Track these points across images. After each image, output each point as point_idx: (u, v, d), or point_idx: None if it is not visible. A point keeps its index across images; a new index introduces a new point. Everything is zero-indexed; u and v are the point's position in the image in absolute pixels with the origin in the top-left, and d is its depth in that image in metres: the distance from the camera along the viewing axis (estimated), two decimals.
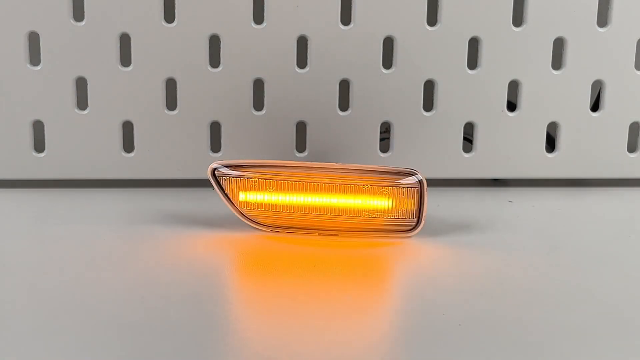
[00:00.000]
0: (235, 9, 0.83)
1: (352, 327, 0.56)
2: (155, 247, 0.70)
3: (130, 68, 0.84)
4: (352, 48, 0.85)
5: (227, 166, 0.72)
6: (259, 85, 0.86)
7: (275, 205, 0.72)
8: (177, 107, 0.85)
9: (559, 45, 0.87)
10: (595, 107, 0.89)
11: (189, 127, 0.86)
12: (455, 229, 0.76)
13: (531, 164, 0.89)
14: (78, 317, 0.56)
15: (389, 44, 0.85)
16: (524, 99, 0.87)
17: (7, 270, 0.65)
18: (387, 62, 0.86)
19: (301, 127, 0.87)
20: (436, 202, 0.80)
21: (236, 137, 0.86)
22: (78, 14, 0.83)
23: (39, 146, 0.86)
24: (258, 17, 0.84)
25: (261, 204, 0.72)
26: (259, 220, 0.73)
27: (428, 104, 0.87)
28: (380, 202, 0.71)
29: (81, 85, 0.84)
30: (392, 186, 0.71)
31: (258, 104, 0.86)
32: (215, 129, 0.86)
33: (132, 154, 0.86)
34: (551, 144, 0.90)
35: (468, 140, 0.89)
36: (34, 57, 0.83)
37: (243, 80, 0.85)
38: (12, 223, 0.78)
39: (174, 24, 0.83)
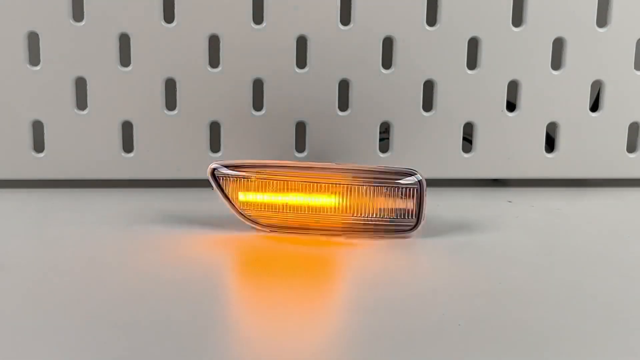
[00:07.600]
0: (235, 9, 0.83)
1: (352, 326, 0.56)
2: (155, 247, 0.70)
3: (130, 68, 0.84)
4: (351, 48, 0.85)
5: (226, 166, 0.72)
6: (258, 85, 0.86)
7: (275, 205, 0.72)
8: (177, 107, 0.85)
9: (558, 45, 0.87)
10: (594, 107, 0.89)
11: (188, 127, 0.86)
12: (455, 229, 0.76)
13: (531, 164, 0.89)
14: (78, 317, 0.56)
15: (388, 44, 0.85)
16: (524, 99, 0.87)
17: (7, 270, 0.65)
18: (387, 62, 0.86)
19: (301, 127, 0.87)
20: (436, 202, 0.80)
21: (236, 137, 0.86)
22: (78, 14, 0.83)
23: (39, 146, 0.86)
24: (258, 17, 0.84)
25: (261, 204, 0.72)
26: (258, 220, 0.73)
27: (428, 104, 0.87)
28: (380, 202, 0.71)
29: (81, 85, 0.84)
30: (392, 186, 0.71)
31: (258, 104, 0.86)
32: (214, 129, 0.86)
33: (131, 154, 0.86)
34: (551, 144, 0.90)
35: (468, 140, 0.89)
36: (34, 57, 0.83)
37: (243, 80, 0.85)
38: (12, 223, 0.78)
39: (174, 24, 0.83)
